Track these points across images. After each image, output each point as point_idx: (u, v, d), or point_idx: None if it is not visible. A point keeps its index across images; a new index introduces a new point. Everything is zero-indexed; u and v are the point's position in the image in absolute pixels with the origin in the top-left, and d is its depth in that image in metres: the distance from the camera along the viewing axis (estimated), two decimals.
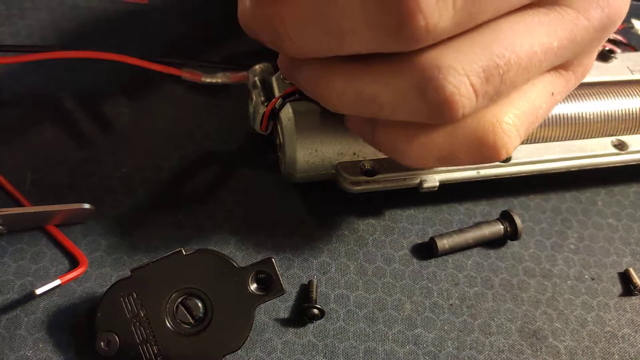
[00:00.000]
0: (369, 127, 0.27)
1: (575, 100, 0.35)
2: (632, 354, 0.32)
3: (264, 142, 0.36)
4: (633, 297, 0.34)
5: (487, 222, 0.34)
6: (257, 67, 0.35)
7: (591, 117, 0.35)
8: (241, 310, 0.28)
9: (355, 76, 0.24)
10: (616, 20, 0.25)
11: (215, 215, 0.34)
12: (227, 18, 0.43)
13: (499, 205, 0.36)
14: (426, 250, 0.34)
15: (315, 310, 0.30)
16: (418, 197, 0.35)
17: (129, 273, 0.28)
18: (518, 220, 0.34)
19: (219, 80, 0.37)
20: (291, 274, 0.32)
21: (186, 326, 0.27)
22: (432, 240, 0.33)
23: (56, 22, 0.41)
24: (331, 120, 0.31)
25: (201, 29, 0.43)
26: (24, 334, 0.28)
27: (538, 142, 0.35)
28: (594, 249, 0.36)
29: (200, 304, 0.28)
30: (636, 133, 0.36)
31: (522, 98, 0.25)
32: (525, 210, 0.37)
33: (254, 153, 0.37)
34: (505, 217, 0.35)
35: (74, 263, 0.31)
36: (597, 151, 0.35)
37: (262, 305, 0.30)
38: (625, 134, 0.36)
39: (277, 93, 0.33)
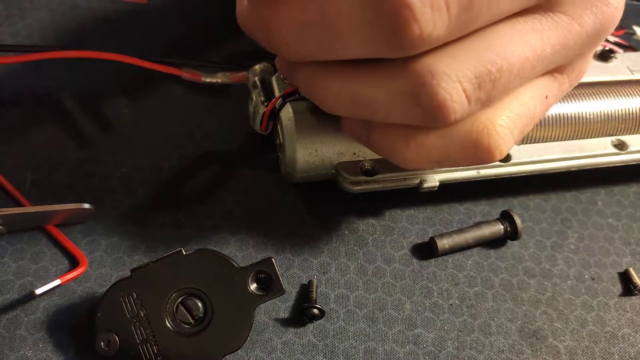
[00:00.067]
0: (364, 129, 0.27)
1: (575, 100, 0.35)
2: (632, 354, 0.32)
3: (264, 142, 0.36)
4: (633, 297, 0.34)
5: (487, 222, 0.34)
6: (257, 67, 0.35)
7: (591, 117, 0.35)
8: (241, 310, 0.28)
9: (351, 79, 0.24)
10: (609, 27, 0.25)
11: (215, 215, 0.34)
12: (227, 18, 0.43)
13: (499, 205, 0.36)
14: (426, 250, 0.34)
15: (315, 310, 0.30)
16: (418, 197, 0.35)
17: (129, 273, 0.28)
18: (518, 220, 0.34)
19: (219, 80, 0.37)
20: (291, 274, 0.32)
21: (186, 326, 0.27)
22: (432, 240, 0.33)
23: (56, 22, 0.41)
24: (331, 120, 0.31)
25: (201, 29, 0.43)
26: (24, 334, 0.28)
27: (538, 142, 0.35)
28: (594, 249, 0.36)
29: (200, 304, 0.28)
30: (636, 133, 0.36)
31: (516, 101, 0.26)
32: (525, 210, 0.37)
33: (254, 153, 0.37)
34: (505, 217, 0.35)
35: (74, 263, 0.31)
36: (597, 151, 0.35)
37: (262, 305, 0.30)
38: (625, 134, 0.36)
39: (277, 93, 0.33)
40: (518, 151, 0.34)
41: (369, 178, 0.32)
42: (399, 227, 0.35)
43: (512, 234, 0.34)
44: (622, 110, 0.36)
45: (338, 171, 0.32)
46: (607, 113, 0.35)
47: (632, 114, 0.36)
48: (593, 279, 0.34)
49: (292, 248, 0.33)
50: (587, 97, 0.35)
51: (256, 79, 0.35)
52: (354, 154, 0.32)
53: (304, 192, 0.35)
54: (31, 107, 0.37)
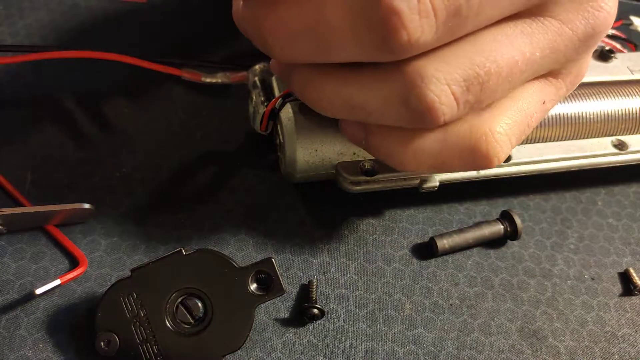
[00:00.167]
0: (363, 132, 0.28)
1: (575, 100, 0.35)
2: (632, 354, 0.32)
3: (264, 142, 0.36)
4: (633, 297, 0.34)
5: (487, 222, 0.34)
6: (257, 67, 0.35)
7: (591, 117, 0.35)
8: (241, 310, 0.28)
9: (344, 83, 0.25)
10: (602, 31, 0.26)
11: (215, 215, 0.34)
12: (227, 18, 0.43)
13: (499, 205, 0.36)
14: (426, 250, 0.34)
15: (315, 310, 0.30)
16: (418, 197, 0.35)
17: (129, 273, 0.28)
18: (518, 220, 0.34)
19: (219, 80, 0.37)
20: (291, 274, 0.32)
21: (186, 326, 0.27)
22: (432, 240, 0.33)
23: (55, 22, 0.41)
24: (331, 120, 0.31)
25: (201, 29, 0.43)
26: (24, 334, 0.28)
27: (538, 142, 0.35)
28: (594, 249, 0.36)
29: (200, 304, 0.28)
30: (636, 133, 0.36)
31: (514, 107, 0.26)
32: (525, 210, 0.37)
33: (254, 153, 0.37)
34: (505, 217, 0.35)
35: (74, 263, 0.31)
36: (597, 151, 0.35)
37: (262, 305, 0.30)
38: (625, 134, 0.36)
39: (277, 93, 0.33)
40: (518, 151, 0.34)
41: (369, 178, 0.32)
42: (399, 227, 0.35)
43: (512, 234, 0.34)
44: (622, 110, 0.36)
45: (338, 171, 0.32)
46: (607, 113, 0.35)
47: (632, 114, 0.36)
48: (593, 279, 0.34)
49: (292, 248, 0.33)
50: (587, 97, 0.35)
51: (256, 79, 0.35)
52: (354, 154, 0.32)
53: (304, 192, 0.35)
54: (31, 107, 0.36)
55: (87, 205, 0.31)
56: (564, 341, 0.31)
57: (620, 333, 0.32)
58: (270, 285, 0.28)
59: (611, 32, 0.42)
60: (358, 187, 0.32)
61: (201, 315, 0.28)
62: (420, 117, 0.24)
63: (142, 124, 0.37)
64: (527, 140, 0.35)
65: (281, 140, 0.32)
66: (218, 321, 0.27)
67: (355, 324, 0.31)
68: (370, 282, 0.32)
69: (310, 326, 0.30)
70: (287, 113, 0.31)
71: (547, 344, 0.31)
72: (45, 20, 0.41)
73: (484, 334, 0.31)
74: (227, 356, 0.27)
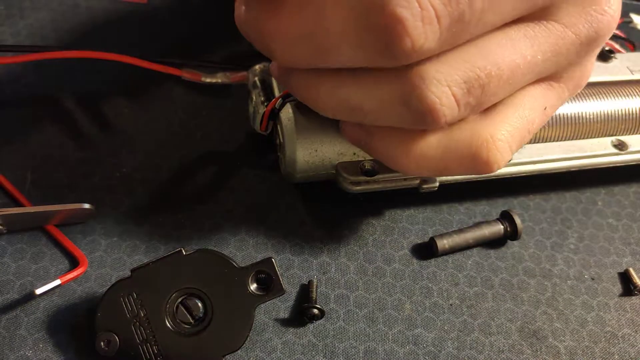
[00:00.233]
0: (365, 135, 0.28)
1: (575, 100, 0.35)
2: (632, 354, 0.32)
3: (264, 142, 0.36)
4: (633, 297, 0.34)
5: (487, 222, 0.34)
6: (257, 67, 0.35)
7: (591, 117, 0.35)
8: (241, 310, 0.28)
9: (342, 84, 0.25)
10: (604, 35, 0.26)
11: (215, 215, 0.34)
12: (227, 18, 0.43)
13: (499, 205, 0.36)
14: (426, 250, 0.34)
15: (315, 310, 0.30)
16: (418, 197, 0.35)
17: (129, 273, 0.28)
18: (518, 220, 0.34)
19: (219, 80, 0.37)
20: (291, 274, 0.32)
21: (186, 326, 0.27)
22: (432, 240, 0.33)
23: (56, 22, 0.41)
24: (331, 120, 0.31)
25: (201, 29, 0.43)
26: (24, 334, 0.28)
27: (538, 142, 0.35)
28: (594, 249, 0.36)
29: (200, 304, 0.28)
30: (636, 133, 0.36)
31: (516, 114, 0.26)
32: (525, 210, 0.37)
33: (254, 153, 0.37)
34: (505, 217, 0.35)
35: (74, 263, 0.31)
36: (597, 151, 0.35)
37: (262, 305, 0.30)
38: (625, 134, 0.36)
39: (277, 93, 0.33)
40: (518, 151, 0.34)
41: (369, 178, 0.32)
42: (399, 227, 0.35)
43: (512, 234, 0.34)
44: (622, 110, 0.36)
45: (338, 171, 0.32)
46: (607, 113, 0.35)
47: (632, 114, 0.36)
48: (593, 279, 0.34)
49: (292, 248, 0.33)
50: (587, 97, 0.35)
51: (256, 79, 0.35)
52: (354, 154, 0.32)
53: (304, 192, 0.35)
54: (31, 107, 0.36)
55: (87, 205, 0.31)
56: (564, 341, 0.31)
57: (620, 333, 0.32)
58: (270, 285, 0.28)
59: None
60: (358, 187, 0.32)
61: (201, 315, 0.28)
62: (421, 118, 0.24)
63: (142, 124, 0.37)
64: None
65: (281, 140, 0.32)
66: (218, 321, 0.27)
67: (355, 324, 0.31)
68: (370, 282, 0.32)
69: (310, 326, 0.30)
70: (287, 113, 0.31)
71: (547, 344, 0.31)
72: (46, 20, 0.41)
73: (484, 334, 0.31)
74: (227, 356, 0.27)
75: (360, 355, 0.30)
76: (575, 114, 0.35)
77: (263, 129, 0.32)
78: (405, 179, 0.32)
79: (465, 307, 0.32)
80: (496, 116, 0.26)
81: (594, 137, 0.36)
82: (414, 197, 0.35)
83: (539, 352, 0.31)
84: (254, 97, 0.34)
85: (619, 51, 0.40)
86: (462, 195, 0.36)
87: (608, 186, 0.39)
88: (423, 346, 0.30)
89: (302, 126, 0.31)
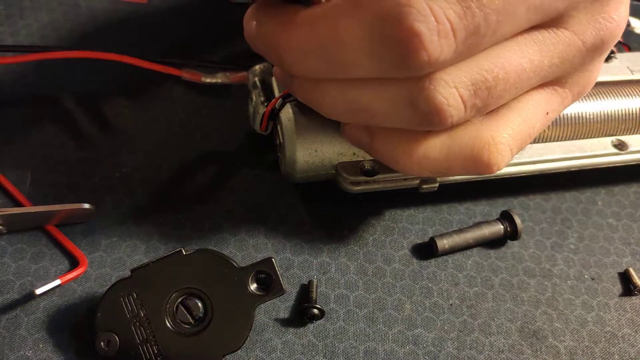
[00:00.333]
0: (367, 137, 0.28)
1: None
2: (632, 354, 0.32)
3: (264, 142, 0.36)
4: (633, 297, 0.34)
5: (487, 222, 0.34)
6: (257, 67, 0.35)
7: (591, 117, 0.35)
8: (241, 310, 0.28)
9: (349, 87, 0.25)
10: (610, 42, 0.26)
11: (215, 215, 0.34)
12: (227, 18, 0.43)
13: (499, 205, 0.36)
14: (426, 250, 0.34)
15: (315, 310, 0.30)
16: (418, 197, 0.35)
17: (129, 273, 0.28)
18: (518, 220, 0.34)
19: (219, 80, 0.37)
20: (291, 274, 0.32)
21: (186, 326, 0.27)
22: (432, 240, 0.33)
23: (56, 22, 0.41)
24: (331, 121, 0.31)
25: (201, 29, 0.43)
26: (24, 334, 0.28)
27: (538, 142, 0.35)
28: (594, 249, 0.36)
29: (200, 304, 0.28)
30: (636, 133, 0.36)
31: (518, 118, 0.26)
32: (525, 210, 0.37)
33: (254, 153, 0.37)
34: (505, 217, 0.35)
35: (74, 263, 0.31)
36: (597, 151, 0.35)
37: (262, 305, 0.30)
38: (625, 134, 0.36)
39: (277, 93, 0.33)
40: None
41: (368, 178, 0.32)
42: (399, 227, 0.35)
43: (512, 234, 0.34)
44: (622, 110, 0.36)
45: (338, 171, 0.32)
46: (607, 113, 0.35)
47: (632, 114, 0.36)
48: (593, 279, 0.34)
49: (292, 248, 0.33)
50: (587, 97, 0.35)
51: (256, 79, 0.35)
52: (354, 154, 0.32)
53: (304, 192, 0.35)
54: (31, 107, 0.37)
55: (87, 205, 0.31)
56: (564, 341, 0.31)
57: (620, 333, 0.32)
58: (270, 285, 0.28)
59: None
60: (358, 187, 0.32)
61: (201, 315, 0.28)
62: (428, 119, 0.24)
63: (142, 124, 0.37)
64: None
65: (281, 140, 0.32)
66: (218, 321, 0.27)
67: (355, 324, 0.31)
68: (370, 282, 0.32)
69: (310, 326, 0.30)
70: (287, 113, 0.31)
71: (547, 344, 0.31)
72: (45, 21, 0.41)
73: (484, 334, 0.31)
74: (227, 356, 0.27)
75: (360, 355, 0.30)
76: (575, 114, 0.35)
77: (263, 129, 0.32)
78: (405, 179, 0.32)
79: (465, 307, 0.32)
80: (499, 119, 0.26)
81: (594, 137, 0.36)
82: (414, 197, 0.35)
83: (539, 352, 0.31)
84: (254, 97, 0.34)
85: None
86: (462, 195, 0.36)
87: (608, 186, 0.39)
88: (423, 346, 0.30)
89: (302, 126, 0.31)
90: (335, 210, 0.35)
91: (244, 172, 0.36)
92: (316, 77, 0.25)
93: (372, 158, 0.32)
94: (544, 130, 0.35)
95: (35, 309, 0.29)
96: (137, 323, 0.27)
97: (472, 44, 0.22)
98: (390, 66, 0.22)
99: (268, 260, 0.28)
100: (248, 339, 0.28)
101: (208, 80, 0.37)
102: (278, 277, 0.28)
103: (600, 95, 0.36)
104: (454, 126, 0.25)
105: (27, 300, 0.29)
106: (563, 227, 0.36)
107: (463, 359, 0.30)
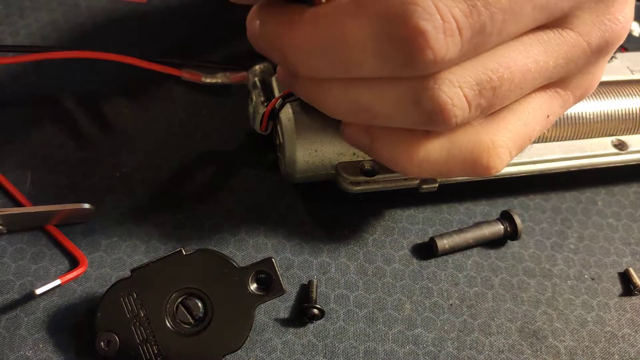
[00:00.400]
0: (367, 138, 0.28)
1: None
2: (632, 354, 0.32)
3: (264, 142, 0.36)
4: (633, 297, 0.34)
5: (487, 222, 0.34)
6: (257, 67, 0.35)
7: (591, 117, 0.35)
8: (241, 310, 0.28)
9: (352, 86, 0.25)
10: (614, 44, 0.26)
11: (215, 215, 0.34)
12: (227, 18, 0.43)
13: (499, 205, 0.36)
14: (426, 250, 0.34)
15: (315, 310, 0.30)
16: (418, 197, 0.35)
17: (129, 273, 0.28)
18: (518, 220, 0.34)
19: (219, 80, 0.37)
20: (291, 274, 0.32)
21: (186, 326, 0.27)
22: (432, 240, 0.33)
23: (56, 22, 0.41)
24: (331, 121, 0.31)
25: (201, 29, 0.43)
26: (24, 334, 0.28)
27: (538, 142, 0.35)
28: (594, 249, 0.36)
29: (200, 304, 0.28)
30: (636, 133, 0.36)
31: (519, 121, 0.26)
32: (525, 210, 0.37)
33: (254, 153, 0.37)
34: (505, 217, 0.35)
35: (74, 263, 0.31)
36: (597, 151, 0.35)
37: (262, 305, 0.30)
38: (625, 134, 0.36)
39: (277, 93, 0.33)
40: None
41: (368, 178, 0.32)
42: (399, 227, 0.35)
43: (512, 234, 0.34)
44: (622, 110, 0.36)
45: (338, 171, 0.32)
46: (607, 113, 0.35)
47: (632, 114, 0.36)
48: (593, 279, 0.34)
49: (292, 248, 0.33)
50: (587, 97, 0.35)
51: (256, 79, 0.35)
52: (354, 154, 0.32)
53: (304, 192, 0.35)
54: (31, 107, 0.37)
55: (87, 205, 0.31)
56: (564, 341, 0.31)
57: (620, 333, 0.32)
58: (270, 285, 0.28)
59: None
60: (358, 187, 0.32)
61: (201, 315, 0.28)
62: (432, 119, 0.24)
63: (142, 124, 0.37)
64: None
65: (281, 141, 0.32)
66: (218, 321, 0.27)
67: (355, 324, 0.31)
68: (370, 282, 0.32)
69: (310, 326, 0.30)
70: (287, 113, 0.31)
71: (547, 344, 0.31)
72: (45, 20, 0.41)
73: (484, 334, 0.31)
74: (227, 356, 0.27)
75: (360, 355, 0.30)
76: (575, 114, 0.35)
77: (263, 129, 0.32)
78: (405, 179, 0.32)
79: (465, 307, 0.32)
80: (499, 122, 0.26)
81: (594, 137, 0.36)
82: (414, 197, 0.35)
83: (539, 352, 0.31)
84: (254, 97, 0.34)
85: None
86: (462, 195, 0.36)
87: (608, 186, 0.39)
88: (423, 346, 0.30)
89: (302, 126, 0.31)
90: (335, 210, 0.35)
91: (244, 172, 0.36)
92: (320, 76, 0.25)
93: (372, 158, 0.32)
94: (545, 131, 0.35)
95: (35, 309, 0.29)
96: (137, 323, 0.27)
97: (477, 43, 0.22)
98: (395, 65, 0.22)
99: (268, 260, 0.28)
100: (248, 339, 0.28)
101: (208, 80, 0.37)
102: (278, 277, 0.28)
103: (600, 95, 0.36)
104: (454, 128, 0.25)
105: (27, 300, 0.29)
106: (563, 227, 0.36)
107: (463, 359, 0.30)
